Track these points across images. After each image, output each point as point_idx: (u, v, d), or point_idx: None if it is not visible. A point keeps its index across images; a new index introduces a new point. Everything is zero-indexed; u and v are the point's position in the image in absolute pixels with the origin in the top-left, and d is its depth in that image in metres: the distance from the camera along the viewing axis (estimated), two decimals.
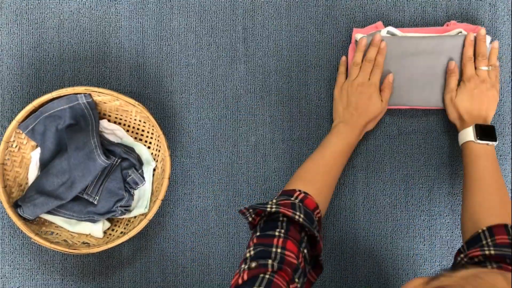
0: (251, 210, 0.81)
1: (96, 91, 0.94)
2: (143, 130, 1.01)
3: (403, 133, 1.02)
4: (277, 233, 0.76)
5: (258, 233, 0.78)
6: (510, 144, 1.02)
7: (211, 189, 1.02)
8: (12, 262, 1.01)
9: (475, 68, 0.95)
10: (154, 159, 1.00)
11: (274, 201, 0.82)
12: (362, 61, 0.97)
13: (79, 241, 0.96)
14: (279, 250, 0.74)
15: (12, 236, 1.01)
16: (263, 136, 1.02)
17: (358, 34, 1.00)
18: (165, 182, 0.94)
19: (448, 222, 1.01)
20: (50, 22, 1.03)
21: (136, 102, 0.94)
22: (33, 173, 0.98)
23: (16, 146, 0.96)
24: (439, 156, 1.02)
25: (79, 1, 1.02)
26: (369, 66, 0.96)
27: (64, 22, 1.03)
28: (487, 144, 0.90)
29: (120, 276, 1.01)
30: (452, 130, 1.01)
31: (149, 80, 1.02)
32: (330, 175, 0.90)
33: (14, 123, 0.93)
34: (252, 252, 0.74)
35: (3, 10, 1.03)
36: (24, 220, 0.93)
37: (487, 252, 0.76)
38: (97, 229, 0.97)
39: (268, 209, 0.79)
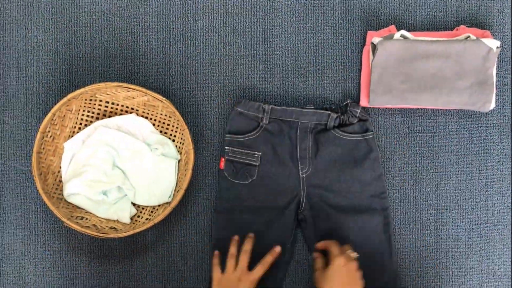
0: None
1: (126, 87, 1.00)
2: (168, 124, 1.07)
3: (412, 131, 1.08)
4: None
5: None
6: (510, 142, 1.08)
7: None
8: (43, 244, 1.08)
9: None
10: (179, 152, 1.06)
11: None
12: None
13: (107, 226, 1.03)
14: None
15: (44, 220, 1.08)
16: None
17: (375, 38, 1.05)
18: (189, 173, 1.00)
19: (454, 216, 1.07)
20: (83, 21, 1.10)
21: (163, 98, 1.01)
22: (66, 162, 1.05)
23: (50, 137, 1.03)
24: (446, 154, 1.07)
25: (110, 1, 1.09)
26: (246, 257, 0.98)
27: (96, 21, 1.10)
28: None
29: (144, 260, 1.08)
30: (459, 129, 1.07)
31: (174, 77, 1.09)
32: None
33: (49, 114, 0.99)
34: None
35: (40, 9, 1.10)
36: (57, 205, 1.00)
37: None
38: (124, 215, 1.04)
39: None
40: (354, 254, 0.95)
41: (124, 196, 1.06)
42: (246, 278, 0.96)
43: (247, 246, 0.99)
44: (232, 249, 0.99)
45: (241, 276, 0.96)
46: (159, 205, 1.06)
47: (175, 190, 1.05)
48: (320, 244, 1.00)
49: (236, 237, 1.02)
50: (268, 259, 0.99)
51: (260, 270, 0.97)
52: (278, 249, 1.00)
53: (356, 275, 0.93)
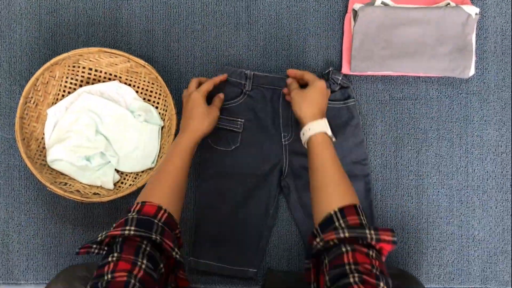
0: (86, 246, 0.80)
1: (109, 51, 1.01)
2: (151, 91, 1.08)
3: (394, 98, 1.09)
4: (109, 259, 0.76)
5: (99, 263, 0.77)
6: (490, 109, 1.09)
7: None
8: (27, 211, 1.09)
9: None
10: (162, 118, 1.07)
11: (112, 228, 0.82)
12: None
13: (90, 192, 1.03)
14: (108, 276, 0.73)
15: (27, 188, 1.09)
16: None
17: (357, 4, 1.06)
18: (171, 139, 1.01)
19: (434, 182, 1.08)
20: None
21: (146, 63, 1.01)
22: (49, 128, 1.05)
23: (34, 103, 1.03)
24: (427, 120, 1.09)
25: None
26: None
27: None
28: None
29: None
30: (439, 96, 1.09)
31: (157, 45, 1.10)
32: (173, 179, 0.90)
33: (32, 79, 1.00)
34: None
35: None
36: (40, 170, 1.01)
37: (341, 235, 0.76)
38: (108, 181, 1.04)
39: (98, 239, 0.79)
40: None
41: (108, 163, 1.06)
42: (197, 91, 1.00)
43: (218, 77, 1.04)
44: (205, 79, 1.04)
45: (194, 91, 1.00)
46: (142, 171, 1.06)
47: (158, 156, 1.06)
48: (292, 71, 1.02)
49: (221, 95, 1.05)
50: (216, 78, 1.04)
51: (206, 84, 1.01)
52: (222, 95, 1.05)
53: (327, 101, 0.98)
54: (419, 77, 1.09)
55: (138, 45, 1.10)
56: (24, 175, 1.09)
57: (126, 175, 1.07)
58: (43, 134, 1.06)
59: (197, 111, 0.97)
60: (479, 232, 1.08)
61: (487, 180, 1.08)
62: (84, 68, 1.07)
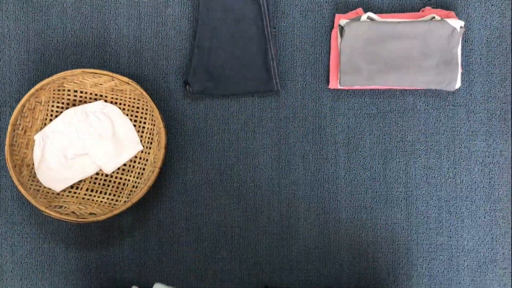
0: None
1: (92, 72, 1.01)
2: (137, 107, 1.08)
3: (381, 111, 1.10)
4: None
5: None
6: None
7: (204, 163, 1.10)
8: (20, 232, 1.10)
9: None
10: (150, 133, 1.07)
11: None
12: None
13: (86, 212, 1.04)
14: None
15: (20, 208, 1.10)
16: (252, 114, 1.10)
17: (342, 20, 1.07)
18: (162, 152, 1.02)
19: (423, 194, 1.09)
20: (54, 9, 1.10)
21: (129, 80, 1.02)
22: (37, 155, 1.05)
23: (22, 129, 1.03)
24: (415, 132, 1.10)
25: None
26: None
27: (67, 10, 1.10)
28: None
29: (120, 244, 1.09)
30: (427, 109, 1.10)
31: (146, 63, 1.10)
32: None
33: (19, 106, 1.00)
34: None
35: None
36: (34, 195, 1.02)
37: None
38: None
39: None
40: None
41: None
42: None
43: None
44: None
45: None
46: (136, 187, 1.07)
47: (150, 171, 1.06)
48: None
49: None
50: None
51: None
52: None
53: None
54: (406, 90, 1.10)
55: (127, 64, 1.10)
56: (17, 196, 1.10)
57: (122, 189, 1.07)
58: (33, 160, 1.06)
59: None
60: (468, 242, 1.09)
61: (476, 190, 1.09)
62: (69, 90, 1.07)
